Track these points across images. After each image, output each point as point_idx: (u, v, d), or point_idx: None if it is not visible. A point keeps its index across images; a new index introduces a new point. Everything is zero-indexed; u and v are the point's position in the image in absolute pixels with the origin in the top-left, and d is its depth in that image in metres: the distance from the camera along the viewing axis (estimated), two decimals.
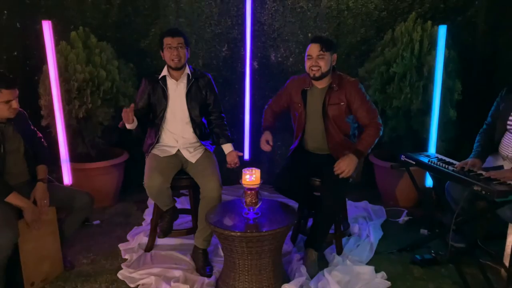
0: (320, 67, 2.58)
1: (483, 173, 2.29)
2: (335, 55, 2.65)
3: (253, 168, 2.35)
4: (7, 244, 2.16)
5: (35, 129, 2.57)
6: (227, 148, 2.84)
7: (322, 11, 3.77)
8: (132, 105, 2.56)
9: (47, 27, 3.04)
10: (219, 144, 2.86)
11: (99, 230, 3.19)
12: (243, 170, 2.34)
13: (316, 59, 2.58)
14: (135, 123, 2.61)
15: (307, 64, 2.63)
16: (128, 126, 2.62)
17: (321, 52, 2.57)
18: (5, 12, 3.49)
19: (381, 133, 2.65)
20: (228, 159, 2.82)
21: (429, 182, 3.41)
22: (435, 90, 3.24)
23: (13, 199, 2.25)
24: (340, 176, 2.50)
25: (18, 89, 2.32)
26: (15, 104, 2.30)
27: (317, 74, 2.60)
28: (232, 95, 3.97)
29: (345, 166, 2.49)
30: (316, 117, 2.69)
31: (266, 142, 2.79)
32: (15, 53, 3.61)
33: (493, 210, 2.34)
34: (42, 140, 2.58)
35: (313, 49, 2.59)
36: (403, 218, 3.35)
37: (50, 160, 2.61)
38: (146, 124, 2.80)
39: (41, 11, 3.71)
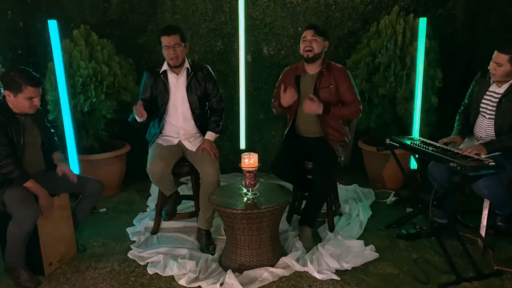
0: (313, 48, 2.82)
1: (459, 151, 2.53)
2: (326, 42, 2.90)
3: (251, 153, 2.56)
4: (28, 220, 2.36)
5: (49, 125, 2.77)
6: (207, 135, 2.89)
7: (311, 6, 3.97)
8: (140, 101, 2.74)
9: (53, 26, 3.20)
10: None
11: (106, 217, 3.39)
12: (242, 154, 2.56)
13: (310, 41, 2.82)
14: (145, 115, 2.78)
15: (302, 46, 2.87)
16: (139, 120, 2.80)
17: (315, 36, 2.82)
18: (9, 12, 3.66)
19: (359, 116, 2.93)
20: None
21: (413, 164, 3.66)
22: (418, 79, 3.48)
23: (30, 185, 2.44)
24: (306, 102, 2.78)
25: (41, 88, 2.51)
26: (36, 101, 2.48)
27: (310, 55, 2.84)
28: (227, 88, 4.14)
29: (309, 105, 2.77)
30: None
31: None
32: (19, 51, 3.77)
33: (467, 184, 2.59)
34: (55, 136, 2.78)
35: (308, 33, 2.85)
36: (391, 198, 3.58)
37: (60, 149, 2.80)
38: (153, 114, 2.95)
39: (42, 10, 3.87)
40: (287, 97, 2.82)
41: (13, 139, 2.43)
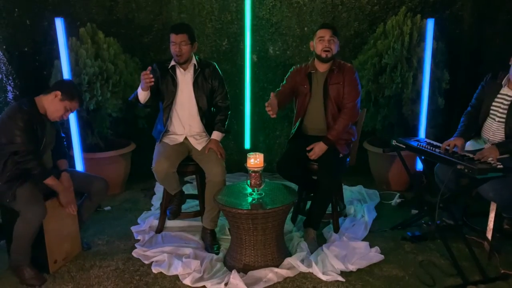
0: (331, 49, 2.83)
1: (467, 154, 2.50)
2: (338, 42, 2.92)
3: (257, 153, 2.56)
4: (36, 220, 2.37)
5: (60, 129, 2.79)
6: (213, 135, 2.91)
7: (318, 6, 3.96)
8: (150, 67, 2.74)
9: (59, 23, 3.21)
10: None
11: (110, 215, 3.39)
12: (247, 154, 2.55)
13: (329, 41, 2.82)
14: (149, 93, 2.78)
15: (320, 46, 2.84)
16: (142, 96, 2.77)
17: (332, 36, 2.83)
18: (16, 10, 3.66)
19: (358, 114, 2.95)
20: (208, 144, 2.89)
21: (419, 166, 3.64)
22: (424, 80, 3.46)
23: (51, 182, 2.48)
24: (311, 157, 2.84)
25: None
26: (67, 115, 2.59)
27: (329, 55, 2.85)
28: (232, 87, 4.13)
29: (315, 153, 2.82)
30: (318, 98, 2.92)
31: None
32: (26, 49, 3.78)
33: (475, 186, 2.57)
34: (65, 141, 2.81)
35: (325, 32, 2.84)
36: (396, 200, 3.56)
37: (68, 157, 2.84)
38: (157, 103, 2.94)
39: (49, 9, 3.88)
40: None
41: (38, 137, 2.48)
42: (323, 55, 2.84)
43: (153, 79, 2.68)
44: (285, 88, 3.01)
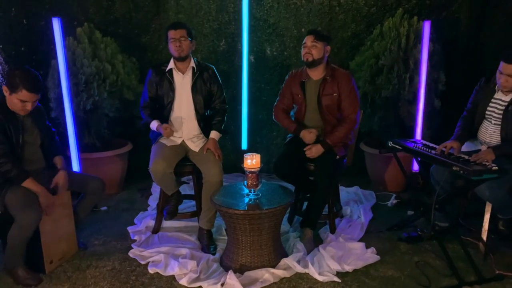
0: (312, 54, 2.82)
1: (463, 156, 2.52)
2: (328, 47, 2.89)
3: (254, 153, 2.56)
4: (32, 224, 2.35)
5: (50, 124, 2.75)
6: (211, 134, 2.93)
7: (315, 7, 3.97)
8: (169, 126, 2.84)
9: (56, 23, 3.21)
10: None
11: (107, 215, 3.39)
12: (244, 155, 2.55)
13: (310, 47, 2.83)
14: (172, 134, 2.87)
15: (302, 52, 2.88)
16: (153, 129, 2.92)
17: (314, 42, 2.82)
18: (13, 9, 3.65)
19: (356, 127, 2.96)
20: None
21: (415, 167, 3.66)
22: (421, 81, 3.48)
23: (29, 184, 2.41)
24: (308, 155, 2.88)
25: (39, 95, 2.44)
26: (29, 106, 2.40)
27: (310, 59, 2.84)
28: (230, 88, 4.14)
29: (311, 153, 2.85)
30: (313, 108, 2.93)
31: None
32: (23, 49, 3.77)
33: (470, 188, 2.58)
34: (56, 136, 2.75)
35: (308, 38, 2.86)
36: (392, 201, 3.58)
37: (63, 151, 2.77)
38: (158, 113, 2.96)
39: (46, 8, 3.87)
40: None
41: (12, 138, 2.41)
42: (304, 59, 2.85)
43: (172, 132, 2.83)
44: (288, 100, 3.02)
